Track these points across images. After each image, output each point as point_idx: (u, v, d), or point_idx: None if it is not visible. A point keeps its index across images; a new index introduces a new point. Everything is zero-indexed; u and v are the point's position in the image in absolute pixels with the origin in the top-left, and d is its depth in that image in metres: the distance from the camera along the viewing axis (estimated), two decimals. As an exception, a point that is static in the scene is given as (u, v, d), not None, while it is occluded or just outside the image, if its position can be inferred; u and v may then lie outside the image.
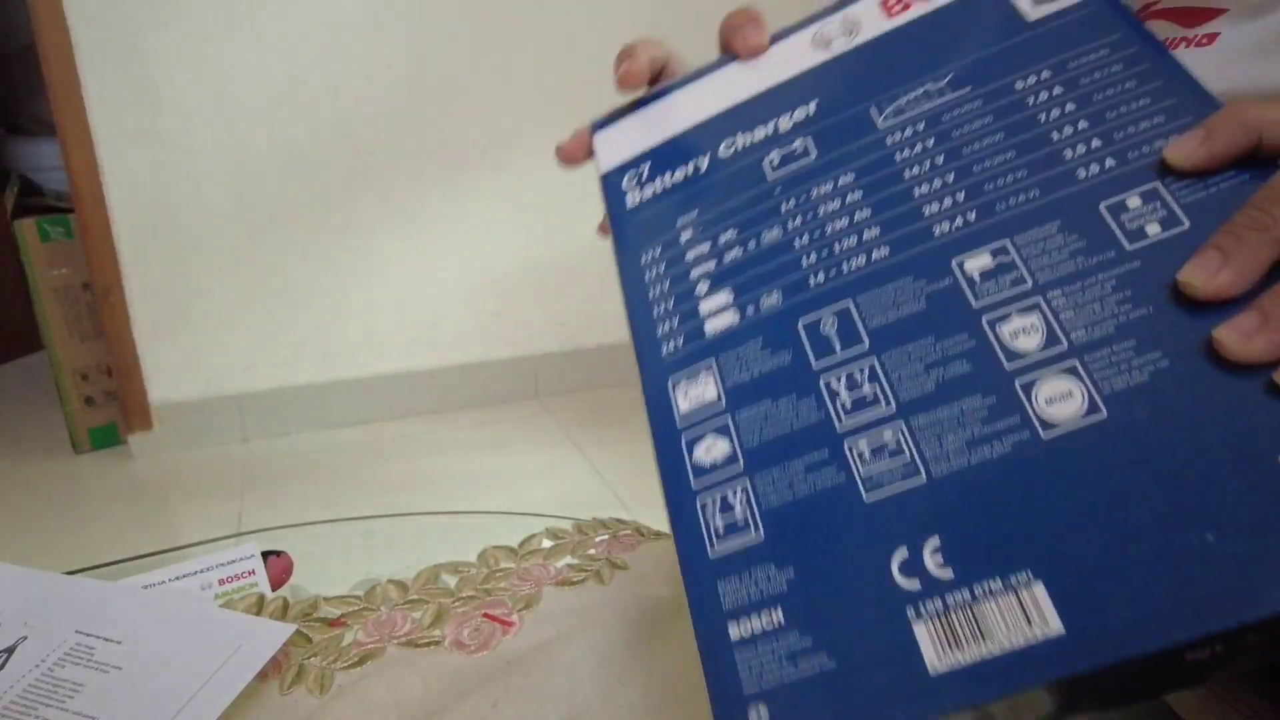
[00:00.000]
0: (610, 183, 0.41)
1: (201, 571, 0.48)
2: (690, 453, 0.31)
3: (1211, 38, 0.46)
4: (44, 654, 0.39)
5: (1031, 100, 0.32)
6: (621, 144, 0.42)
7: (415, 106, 1.88)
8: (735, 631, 0.27)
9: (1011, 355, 0.27)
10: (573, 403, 2.09)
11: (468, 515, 0.70)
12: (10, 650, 0.39)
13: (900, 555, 0.25)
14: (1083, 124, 0.30)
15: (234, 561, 0.48)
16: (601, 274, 2.14)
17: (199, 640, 0.40)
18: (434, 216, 1.96)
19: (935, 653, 0.23)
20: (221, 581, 0.47)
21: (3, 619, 0.41)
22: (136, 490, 1.74)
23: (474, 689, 0.38)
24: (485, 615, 0.42)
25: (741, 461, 0.30)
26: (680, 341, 0.34)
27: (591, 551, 0.47)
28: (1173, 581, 0.22)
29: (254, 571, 0.48)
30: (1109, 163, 0.29)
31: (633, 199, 0.39)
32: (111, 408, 1.89)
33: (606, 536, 0.49)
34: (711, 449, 0.31)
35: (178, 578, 0.47)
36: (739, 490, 0.29)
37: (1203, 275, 0.25)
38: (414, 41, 1.84)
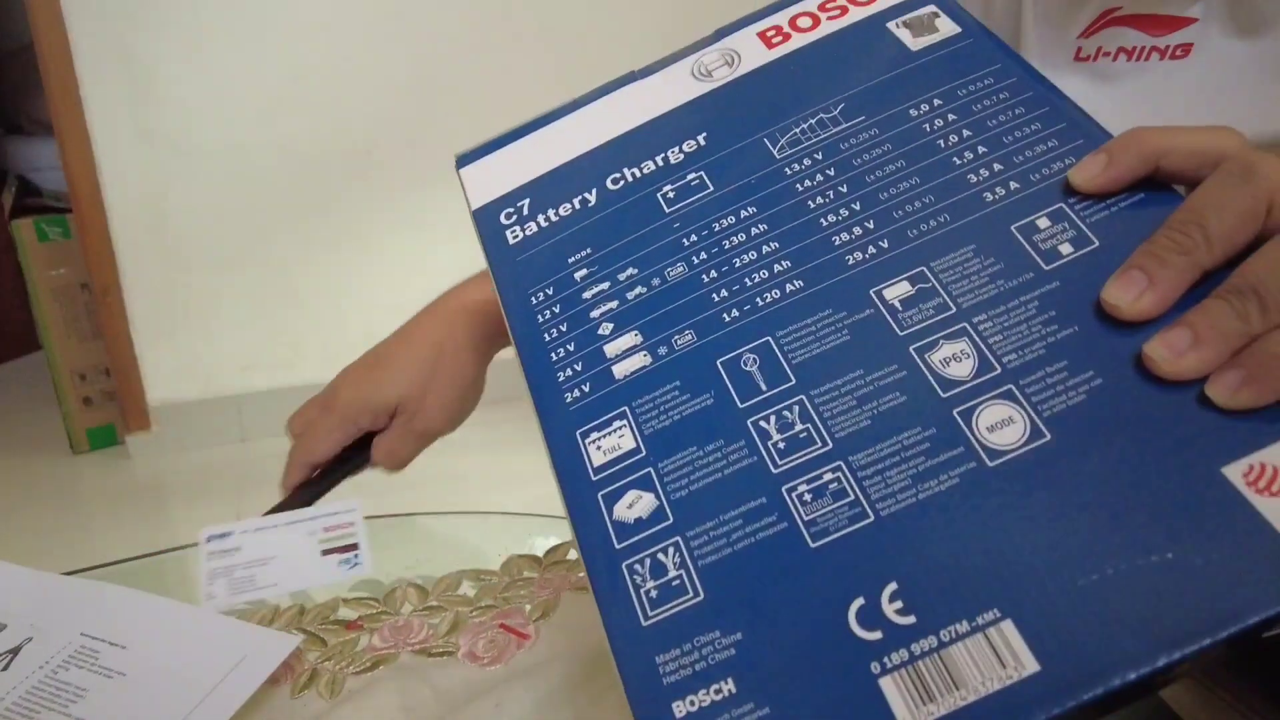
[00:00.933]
0: (485, 219, 0.38)
1: (309, 519, 0.51)
2: (609, 510, 0.28)
3: (1186, 49, 0.46)
4: (48, 656, 0.39)
5: (928, 127, 0.32)
6: (493, 178, 0.40)
7: (414, 106, 1.87)
8: (681, 708, 0.24)
9: (946, 384, 0.26)
10: (571, 403, 2.09)
11: (467, 515, 0.71)
12: (15, 651, 0.39)
13: (857, 604, 0.24)
14: (982, 149, 0.30)
15: (336, 514, 0.52)
16: (600, 274, 2.13)
17: (204, 649, 0.40)
18: (433, 216, 1.95)
19: (907, 709, 0.22)
20: (326, 529, 0.51)
21: (10, 619, 0.41)
22: (134, 491, 1.74)
23: (480, 694, 0.38)
24: (501, 625, 0.42)
25: (671, 516, 0.27)
26: (586, 388, 0.31)
27: None
28: (1141, 605, 0.21)
29: (354, 524, 0.51)
30: (1013, 185, 0.29)
31: (513, 235, 0.37)
32: (110, 408, 1.88)
33: None
34: (635, 504, 0.28)
35: (289, 523, 0.51)
36: (671, 548, 0.26)
37: (1128, 296, 0.25)
38: (413, 41, 1.84)
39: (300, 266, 1.89)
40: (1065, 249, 0.27)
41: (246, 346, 1.89)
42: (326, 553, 0.49)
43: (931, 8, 0.35)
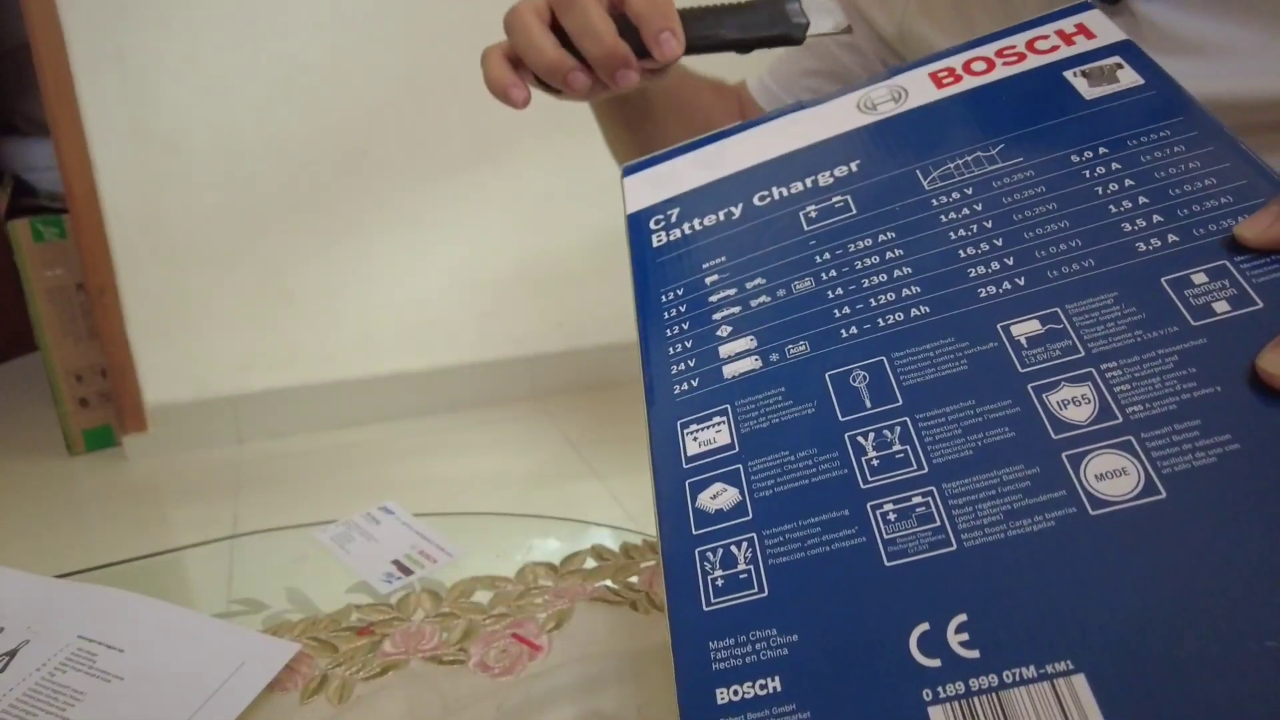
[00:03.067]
0: (636, 222, 0.40)
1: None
2: (693, 498, 0.29)
3: None
4: (45, 658, 0.38)
5: (1088, 173, 0.31)
6: (650, 188, 0.41)
7: (411, 105, 1.87)
8: (724, 695, 0.24)
9: (1060, 425, 0.25)
10: (569, 403, 2.08)
11: (465, 516, 0.70)
12: (12, 654, 0.39)
13: (920, 629, 0.23)
14: (1143, 199, 0.29)
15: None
16: (598, 274, 2.14)
17: (203, 654, 0.39)
18: (430, 216, 1.95)
19: None
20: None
21: (6, 622, 0.40)
22: (131, 492, 1.73)
23: (484, 697, 0.37)
24: (514, 636, 0.42)
25: (751, 512, 0.28)
26: (695, 382, 0.32)
27: (634, 579, 0.46)
28: (1244, 691, 0.19)
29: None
30: (1172, 238, 0.28)
31: (658, 239, 0.39)
32: (106, 409, 1.88)
33: (653, 563, 0.48)
34: (719, 496, 0.29)
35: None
36: (744, 543, 0.27)
37: None
38: (410, 40, 1.84)
39: (297, 266, 1.89)
40: (1221, 307, 0.26)
41: (243, 347, 1.89)
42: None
43: (1116, 59, 0.34)
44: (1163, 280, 0.27)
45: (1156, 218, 0.29)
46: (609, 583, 0.46)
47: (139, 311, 1.79)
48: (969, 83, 0.37)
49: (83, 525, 1.60)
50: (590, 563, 0.48)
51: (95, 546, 1.52)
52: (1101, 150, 0.31)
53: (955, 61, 0.38)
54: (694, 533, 0.28)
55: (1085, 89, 0.34)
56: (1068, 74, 0.34)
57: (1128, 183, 0.30)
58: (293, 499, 1.66)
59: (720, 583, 0.27)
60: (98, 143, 1.69)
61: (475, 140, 1.93)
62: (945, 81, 0.37)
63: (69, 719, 0.36)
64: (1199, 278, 0.27)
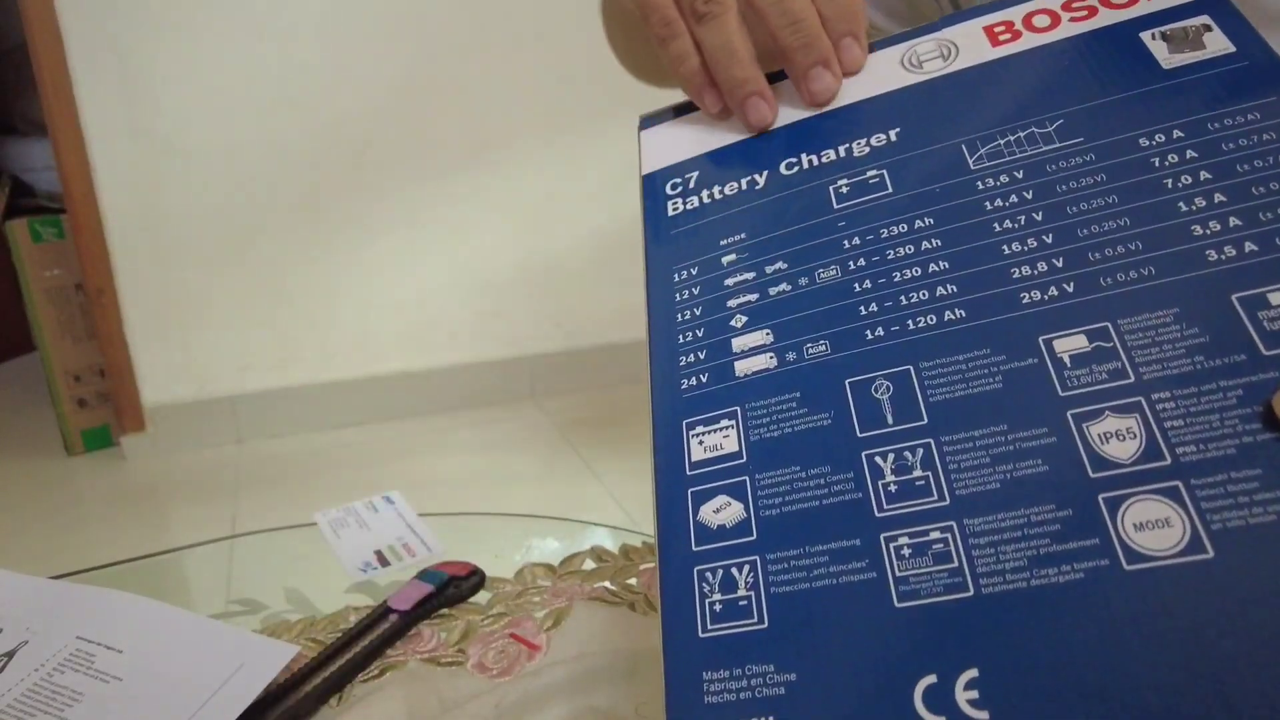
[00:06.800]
0: (651, 185, 0.37)
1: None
2: (695, 509, 0.27)
3: None
4: (43, 659, 0.38)
5: (1158, 161, 0.27)
6: (670, 145, 0.38)
7: (410, 106, 1.87)
8: None
9: (1099, 462, 0.22)
10: (568, 403, 2.08)
11: (464, 516, 0.71)
12: (10, 654, 0.39)
13: (927, 681, 0.21)
14: (1219, 197, 0.25)
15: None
16: (598, 275, 2.13)
17: (201, 656, 0.39)
18: (428, 217, 1.95)
19: None
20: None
21: (5, 623, 0.40)
22: (129, 492, 1.73)
23: (481, 695, 0.37)
24: (512, 635, 0.42)
25: (755, 532, 0.26)
26: (704, 377, 0.30)
27: (632, 581, 0.46)
28: None
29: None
30: (1249, 247, 0.24)
31: (674, 206, 0.35)
32: (104, 409, 1.88)
33: (652, 565, 0.48)
34: (722, 510, 0.27)
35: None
36: (746, 566, 0.25)
37: None
38: (409, 41, 1.84)
39: (295, 266, 1.89)
40: None
41: (242, 347, 1.89)
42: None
43: (1204, 18, 0.29)
44: (1233, 297, 0.23)
45: (1233, 221, 0.25)
46: (608, 584, 0.46)
47: (137, 311, 1.79)
48: (1028, 41, 0.32)
49: (81, 525, 1.60)
50: (589, 564, 0.48)
51: (93, 547, 1.52)
52: (1176, 134, 0.27)
53: (1015, 14, 0.33)
54: (694, 549, 0.26)
55: (1164, 55, 0.29)
56: (1144, 35, 0.30)
57: (1203, 175, 0.26)
58: (292, 499, 1.66)
59: (718, 608, 0.25)
60: (96, 143, 1.68)
61: (475, 141, 1.93)
62: (1002, 38, 0.33)
63: (67, 719, 0.35)
64: (1276, 298, 0.23)
